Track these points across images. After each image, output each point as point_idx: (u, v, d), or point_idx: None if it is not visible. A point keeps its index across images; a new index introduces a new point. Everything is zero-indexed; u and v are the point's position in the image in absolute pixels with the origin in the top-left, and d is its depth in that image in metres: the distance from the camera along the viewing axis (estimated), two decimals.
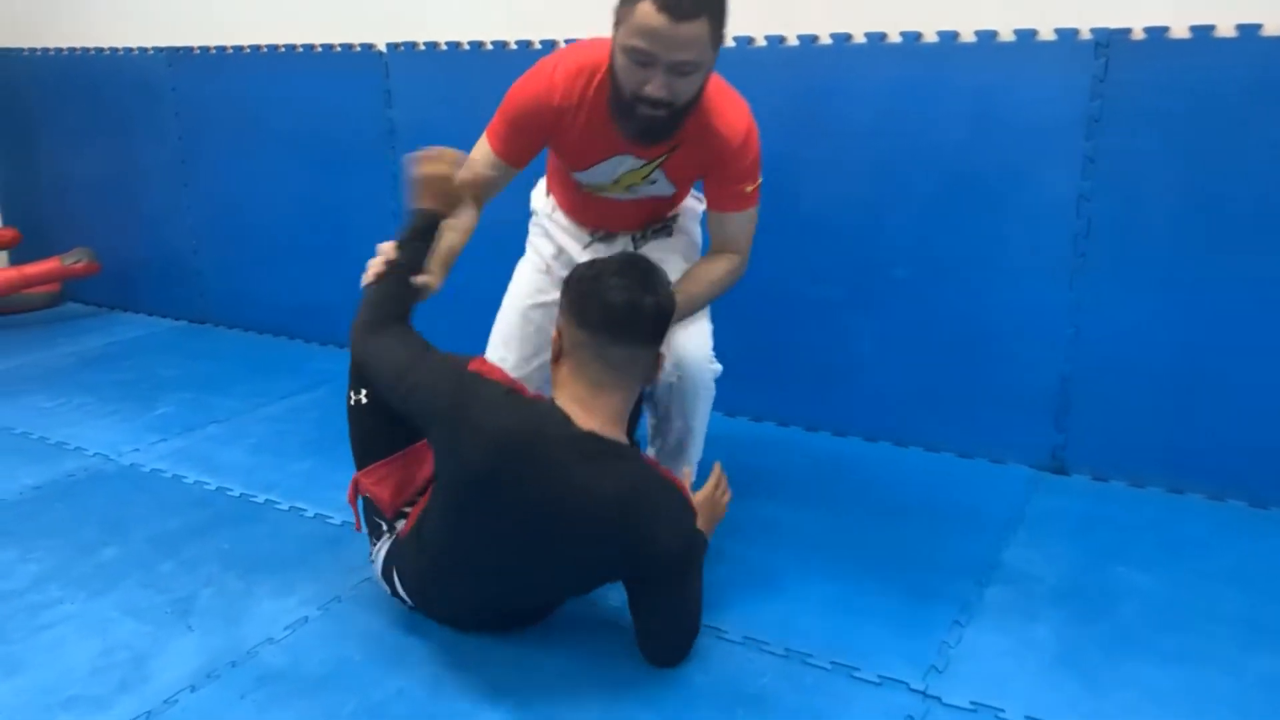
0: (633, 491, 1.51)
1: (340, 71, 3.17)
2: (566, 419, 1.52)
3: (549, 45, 2.77)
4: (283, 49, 3.27)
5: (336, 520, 2.15)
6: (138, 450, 2.55)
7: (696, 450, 2.00)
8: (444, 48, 2.96)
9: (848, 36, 2.41)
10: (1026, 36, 2.22)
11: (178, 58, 3.51)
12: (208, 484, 2.36)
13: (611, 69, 1.65)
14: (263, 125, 3.40)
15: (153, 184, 3.74)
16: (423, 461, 1.74)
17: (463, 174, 1.74)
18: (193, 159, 3.60)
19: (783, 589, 1.89)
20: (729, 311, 2.60)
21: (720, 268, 1.89)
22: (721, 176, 1.83)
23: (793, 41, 2.48)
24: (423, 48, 3.00)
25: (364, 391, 1.72)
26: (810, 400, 2.68)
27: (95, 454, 2.53)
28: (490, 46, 2.88)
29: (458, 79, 2.95)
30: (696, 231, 2.10)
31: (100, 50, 3.71)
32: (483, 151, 1.82)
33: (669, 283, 1.64)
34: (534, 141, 1.81)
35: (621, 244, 2.02)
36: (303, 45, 3.22)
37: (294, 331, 3.55)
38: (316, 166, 3.33)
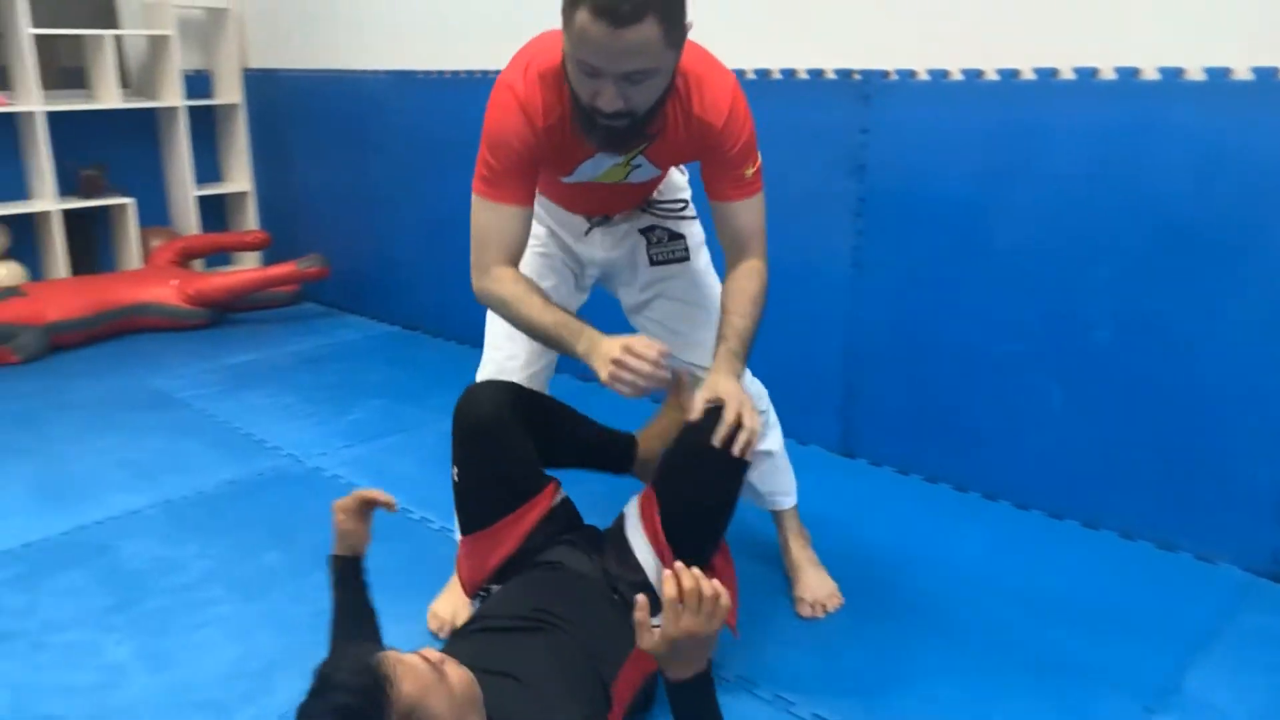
0: None
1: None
2: None
3: (803, 72, 2.70)
4: (479, 74, 3.39)
5: None
6: (324, 454, 2.73)
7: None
8: None
9: (1054, 72, 2.17)
10: (1267, 75, 1.91)
11: (405, 80, 3.72)
12: None
13: (565, 75, 1.49)
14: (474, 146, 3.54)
15: (380, 196, 4.00)
16: (498, 545, 1.66)
17: (481, 245, 1.63)
18: (414, 174, 3.81)
19: (910, 683, 1.73)
20: (905, 358, 2.44)
21: (754, 285, 1.69)
22: (715, 163, 1.65)
23: (991, 76, 2.27)
24: None
25: (455, 470, 1.68)
26: (990, 465, 2.45)
27: (286, 455, 2.73)
28: None
29: None
30: (705, 259, 1.97)
31: (342, 72, 4.01)
32: (493, 212, 1.63)
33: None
34: (531, 158, 1.61)
35: (624, 228, 1.88)
36: (498, 70, 3.31)
37: (437, 329, 3.67)
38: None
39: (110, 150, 4.32)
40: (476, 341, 3.64)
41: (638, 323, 1.98)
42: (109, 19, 4.44)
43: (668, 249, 1.91)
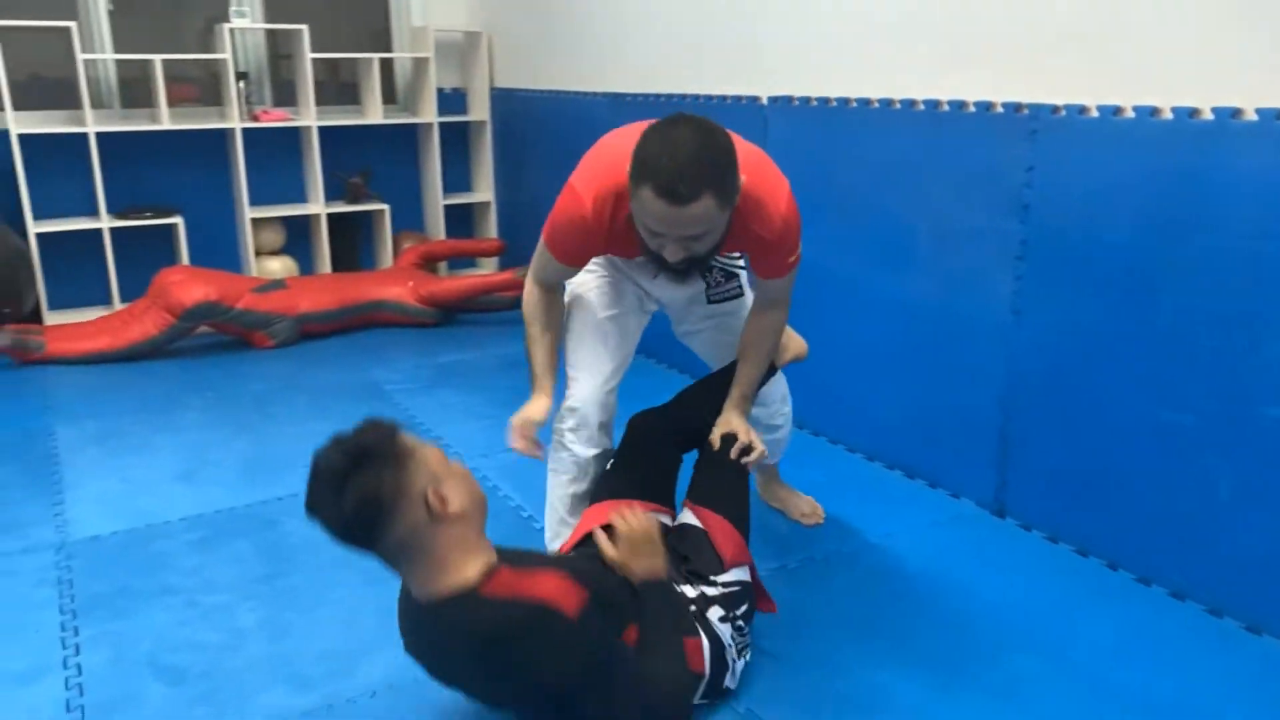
0: (487, 636, 1.43)
1: (726, 121, 3.27)
2: (407, 594, 1.55)
3: (907, 104, 2.60)
4: (678, 97, 3.46)
5: None
6: (485, 457, 2.92)
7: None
8: (815, 103, 2.91)
9: (1236, 111, 1.91)
10: None
11: (616, 102, 3.88)
12: (512, 500, 2.64)
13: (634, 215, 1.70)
14: None
15: None
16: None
17: (541, 273, 1.98)
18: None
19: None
20: (1062, 415, 2.25)
21: (769, 340, 2.03)
22: (765, 257, 1.89)
23: (1166, 115, 2.03)
24: (797, 102, 2.98)
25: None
26: (1145, 545, 2.20)
27: (452, 454, 2.95)
28: (855, 104, 2.77)
29: (827, 133, 2.88)
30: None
31: (566, 93, 4.24)
32: (548, 259, 1.95)
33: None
34: (591, 248, 1.91)
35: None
36: (694, 95, 3.37)
37: (641, 349, 3.76)
38: None
39: (373, 160, 4.83)
40: (660, 356, 3.80)
41: (687, 341, 2.29)
42: (384, 43, 4.97)
43: (724, 289, 2.17)
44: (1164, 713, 1.75)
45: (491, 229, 5.11)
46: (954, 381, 2.60)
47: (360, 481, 1.36)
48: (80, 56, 3.96)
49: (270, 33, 4.65)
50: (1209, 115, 1.96)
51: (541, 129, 4.53)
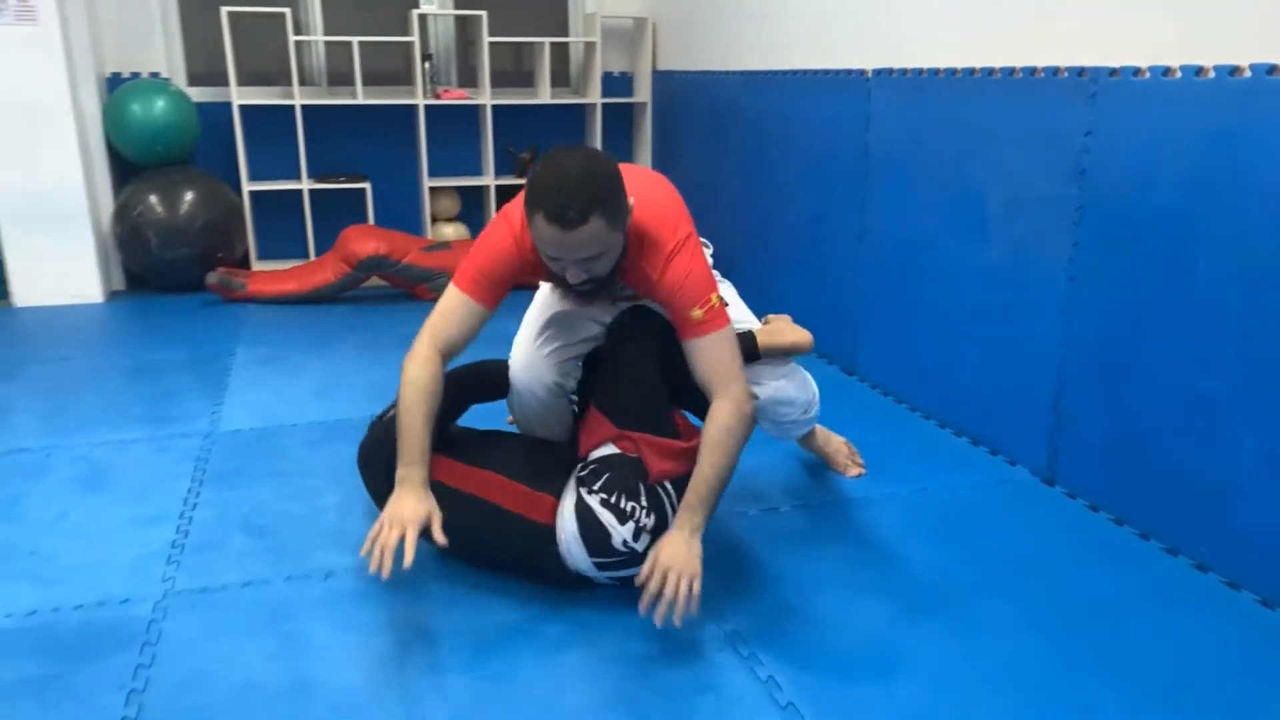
0: None
1: (833, 94, 3.37)
2: None
3: (1048, 72, 2.63)
4: (799, 72, 3.58)
5: None
6: None
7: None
8: (909, 74, 2.97)
9: (1273, 68, 1.86)
10: None
11: (752, 79, 4.04)
12: None
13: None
14: (781, 141, 3.77)
15: (724, 185, 4.38)
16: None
17: (440, 323, 1.86)
18: (749, 166, 4.12)
19: (892, 684, 1.71)
20: (1112, 386, 2.24)
21: (722, 436, 1.79)
22: (665, 306, 1.85)
23: (1210, 74, 2.00)
24: (895, 74, 3.05)
25: None
26: (1174, 516, 2.16)
27: None
28: (943, 74, 2.81)
29: (917, 103, 2.94)
30: None
31: (709, 72, 4.44)
32: (461, 304, 1.86)
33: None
34: (507, 286, 1.88)
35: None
36: (809, 69, 3.47)
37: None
38: (805, 182, 3.60)
39: (541, 138, 5.22)
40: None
41: None
42: (561, 29, 5.35)
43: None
44: (1152, 673, 1.76)
45: None
46: (1012, 348, 2.61)
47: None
48: (292, 38, 4.57)
49: (459, 18, 5.12)
50: (1248, 73, 1.91)
51: (691, 108, 4.75)
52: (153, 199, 4.39)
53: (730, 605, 1.94)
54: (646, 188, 1.86)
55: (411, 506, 1.78)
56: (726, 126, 4.30)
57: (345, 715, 1.62)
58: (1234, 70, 1.94)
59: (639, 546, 1.83)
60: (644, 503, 1.85)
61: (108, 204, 4.56)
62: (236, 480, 2.54)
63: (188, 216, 4.43)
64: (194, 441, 2.81)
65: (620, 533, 1.82)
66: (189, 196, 4.45)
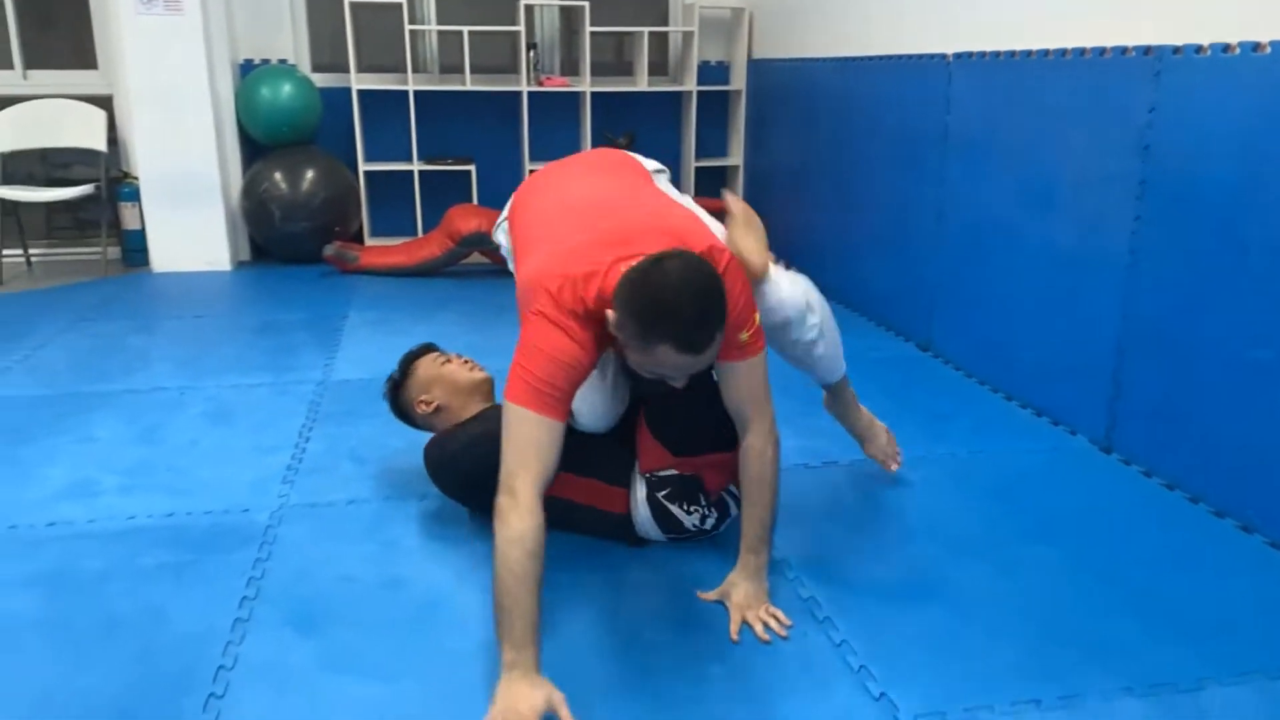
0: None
1: (915, 78, 3.47)
2: None
3: (1116, 51, 2.72)
4: (882, 58, 3.69)
5: None
6: None
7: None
8: (988, 57, 3.06)
9: None
10: None
11: (841, 66, 4.16)
12: None
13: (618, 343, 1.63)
14: (867, 125, 3.88)
15: (811, 170, 4.50)
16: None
17: (531, 458, 1.60)
18: (836, 150, 4.24)
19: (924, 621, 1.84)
20: (1172, 357, 2.31)
21: (764, 470, 1.81)
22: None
23: (1266, 49, 2.06)
24: (974, 57, 3.14)
25: None
26: (1221, 480, 2.22)
27: None
28: (1018, 55, 2.90)
29: (991, 85, 3.03)
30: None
31: (802, 59, 4.57)
32: (540, 426, 1.60)
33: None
34: (581, 381, 1.69)
35: None
36: (883, 55, 3.58)
37: (835, 294, 3.99)
38: (888, 165, 3.71)
39: (639, 125, 5.43)
40: (859, 307, 4.03)
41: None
42: (661, 19, 5.55)
43: None
44: (1177, 616, 1.86)
45: (738, 191, 5.52)
46: (1073, 319, 2.69)
47: (389, 401, 2.37)
48: (407, 28, 4.88)
49: (563, 9, 5.37)
50: None
51: (783, 95, 4.89)
52: (277, 176, 4.76)
53: (782, 536, 2.09)
54: (678, 211, 1.84)
55: (528, 698, 1.43)
56: (816, 112, 4.43)
57: (429, 606, 1.85)
58: None
59: (707, 527, 2.02)
60: (706, 504, 2.00)
61: (237, 180, 4.96)
62: (344, 420, 2.81)
63: (308, 193, 4.78)
64: (308, 387, 3.10)
65: (690, 519, 2.00)
66: (310, 175, 4.80)
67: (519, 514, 1.54)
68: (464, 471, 2.08)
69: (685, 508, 1.99)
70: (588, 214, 1.84)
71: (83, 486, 2.35)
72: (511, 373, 1.64)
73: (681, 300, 1.50)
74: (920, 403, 2.93)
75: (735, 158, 5.53)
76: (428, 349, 2.39)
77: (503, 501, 1.57)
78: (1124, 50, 2.48)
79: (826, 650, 1.71)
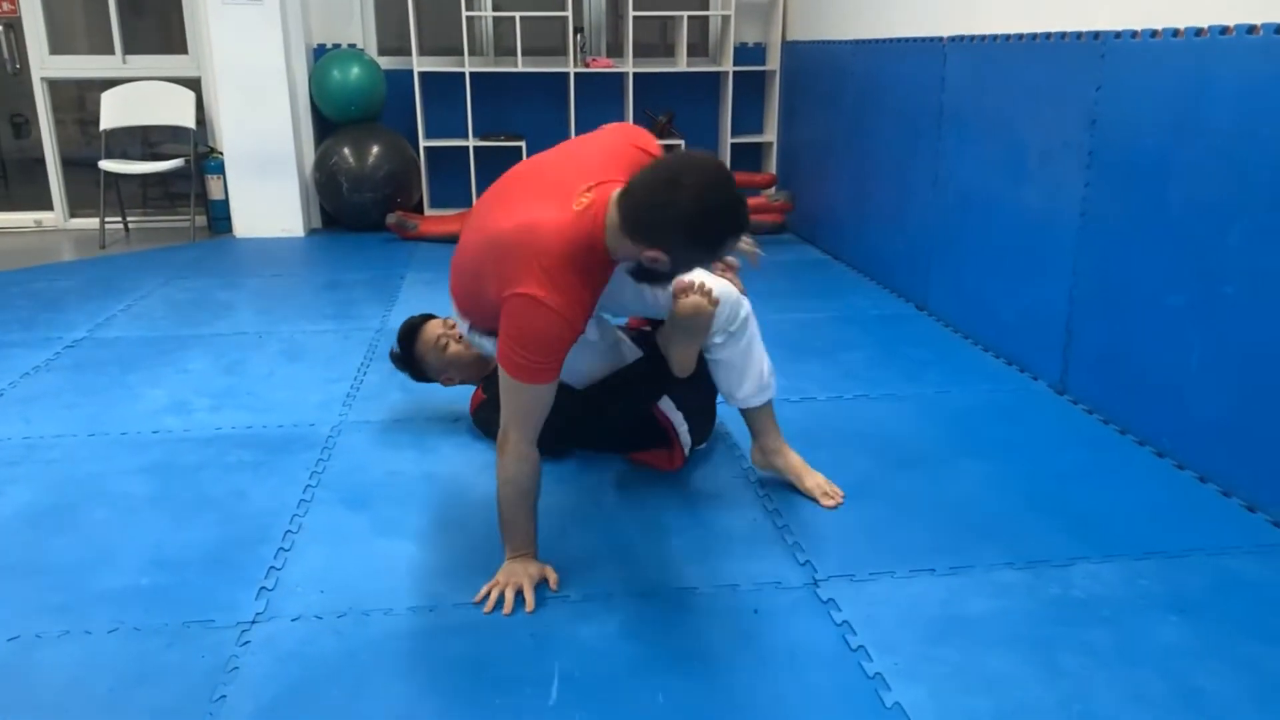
0: None
1: (913, 58, 3.79)
2: None
3: (1073, 36, 3.02)
4: (873, 41, 4.00)
5: None
6: None
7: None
8: (975, 40, 3.37)
9: (1224, 29, 2.23)
10: None
11: (858, 48, 4.48)
12: None
13: (609, 252, 1.70)
14: (878, 102, 4.20)
15: (835, 146, 4.83)
16: None
17: (528, 418, 1.77)
18: (853, 128, 4.56)
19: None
20: (1113, 305, 2.60)
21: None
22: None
23: (1182, 35, 2.36)
24: (964, 41, 3.45)
25: None
26: (1152, 415, 2.54)
27: None
28: (1000, 39, 3.21)
29: (978, 66, 3.35)
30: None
31: (828, 41, 4.89)
32: (539, 393, 1.75)
33: None
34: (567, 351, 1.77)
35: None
36: (892, 38, 3.89)
37: (849, 260, 4.32)
38: (893, 139, 4.04)
39: (678, 104, 5.79)
40: (868, 271, 4.36)
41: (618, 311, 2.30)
42: (702, 3, 5.90)
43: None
44: (1081, 519, 2.20)
45: (772, 166, 5.86)
46: (1033, 276, 3.01)
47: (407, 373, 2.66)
48: (464, 14, 5.32)
49: None
50: (1207, 34, 2.28)
51: (811, 75, 5.21)
52: (346, 151, 5.25)
53: (751, 451, 2.48)
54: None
55: (526, 569, 1.84)
56: (838, 91, 4.75)
57: (457, 492, 2.29)
58: (1198, 31, 2.31)
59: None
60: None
61: (310, 155, 5.46)
62: None
63: (373, 167, 5.26)
64: (368, 334, 3.57)
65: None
66: (375, 150, 5.28)
67: (514, 458, 1.79)
68: None
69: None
70: (523, 185, 1.87)
71: (180, 406, 2.84)
72: (503, 355, 1.72)
73: (721, 192, 1.58)
74: (905, 353, 3.27)
75: (770, 135, 5.86)
76: (419, 323, 2.63)
77: (501, 442, 1.80)
78: (1078, 35, 2.78)
79: (770, 531, 2.10)
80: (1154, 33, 2.47)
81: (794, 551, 2.02)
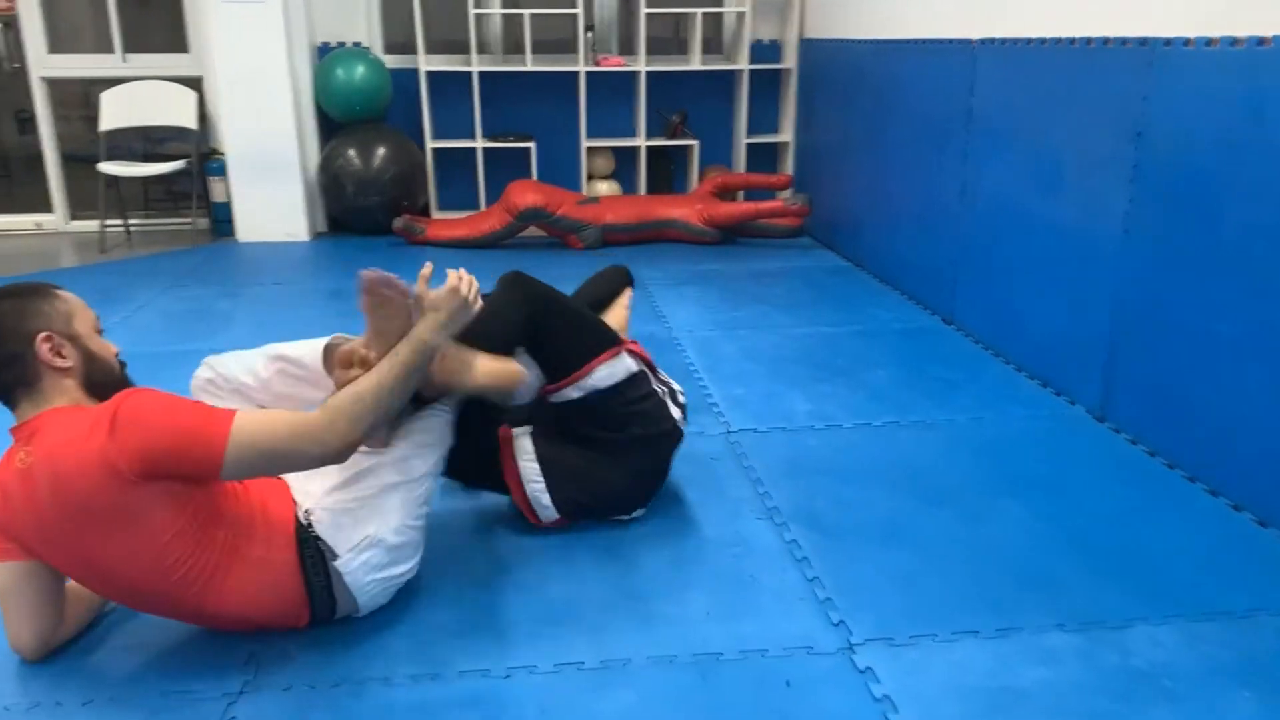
0: None
1: (939, 60, 3.62)
2: None
3: (1117, 42, 2.86)
4: (897, 41, 3.83)
5: None
6: (690, 331, 3.61)
7: None
8: (1008, 44, 3.20)
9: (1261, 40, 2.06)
10: None
11: (878, 48, 4.31)
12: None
13: None
14: (898, 105, 4.03)
15: (852, 147, 4.66)
16: None
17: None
18: (873, 129, 4.39)
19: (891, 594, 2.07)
20: (1160, 330, 2.45)
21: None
22: None
23: (1242, 44, 2.20)
24: (996, 44, 3.28)
25: None
26: (1203, 449, 2.38)
27: (666, 325, 3.68)
28: (1032, 43, 3.04)
29: (1008, 72, 3.18)
30: None
31: (845, 40, 4.71)
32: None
33: None
34: None
35: None
36: (915, 39, 3.72)
37: (870, 269, 4.16)
38: (917, 144, 3.87)
39: (692, 103, 5.63)
40: (890, 280, 4.20)
41: None
42: (717, 1, 5.72)
43: None
44: (1122, 563, 2.05)
45: (788, 166, 5.70)
46: (1079, 297, 2.85)
47: None
48: (472, 11, 5.16)
49: None
50: (1271, 44, 2.11)
51: (828, 74, 5.04)
52: (351, 153, 5.11)
53: (777, 488, 2.34)
54: None
55: (437, 311, 1.83)
56: (856, 92, 4.58)
57: (459, 539, 2.14)
58: (1261, 41, 2.14)
59: None
60: None
61: (314, 157, 5.32)
62: None
63: (379, 169, 5.12)
64: None
65: None
66: (381, 152, 5.13)
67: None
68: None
69: None
70: None
71: None
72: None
73: None
74: (933, 372, 3.11)
75: (786, 135, 5.69)
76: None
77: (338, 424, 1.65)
78: (1124, 41, 2.61)
79: (799, 585, 1.95)
80: (1209, 41, 2.30)
81: (826, 609, 1.87)
